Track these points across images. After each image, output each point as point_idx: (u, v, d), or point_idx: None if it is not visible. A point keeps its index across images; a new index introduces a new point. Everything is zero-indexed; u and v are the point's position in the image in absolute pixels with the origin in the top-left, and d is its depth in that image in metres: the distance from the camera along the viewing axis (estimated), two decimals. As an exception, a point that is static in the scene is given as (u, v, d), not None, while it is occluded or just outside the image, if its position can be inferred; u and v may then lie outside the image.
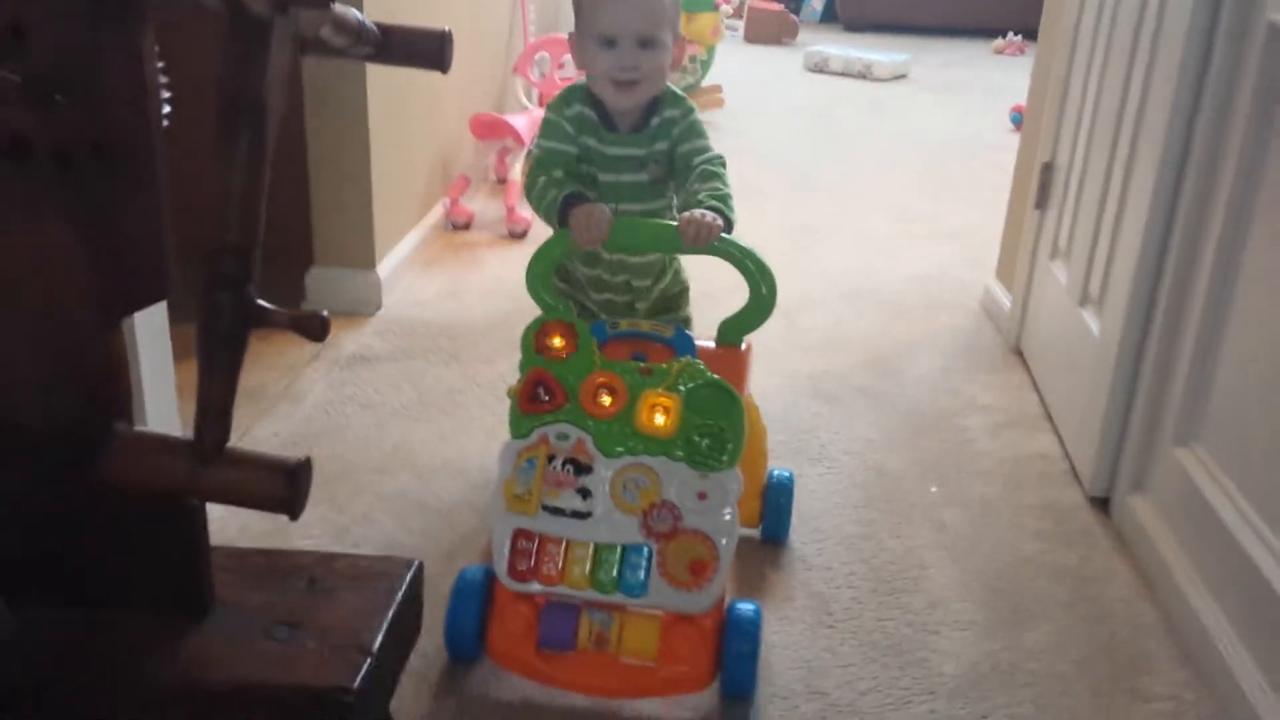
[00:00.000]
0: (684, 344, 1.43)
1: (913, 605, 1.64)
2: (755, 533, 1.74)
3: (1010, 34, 6.89)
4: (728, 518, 1.32)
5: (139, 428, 0.93)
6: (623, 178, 1.56)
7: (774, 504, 1.73)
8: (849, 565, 1.73)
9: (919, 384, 2.38)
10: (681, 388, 1.34)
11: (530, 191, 1.50)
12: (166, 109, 0.90)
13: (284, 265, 2.63)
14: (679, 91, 1.59)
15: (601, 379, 1.34)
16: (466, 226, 3.22)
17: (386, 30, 1.11)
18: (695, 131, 1.56)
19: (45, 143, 0.86)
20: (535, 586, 1.31)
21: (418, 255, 2.95)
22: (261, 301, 0.88)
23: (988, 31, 7.13)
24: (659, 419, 1.32)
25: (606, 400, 1.34)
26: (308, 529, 1.78)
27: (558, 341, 1.36)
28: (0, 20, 0.85)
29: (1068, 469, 2.02)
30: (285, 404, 2.20)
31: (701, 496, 1.31)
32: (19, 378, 0.89)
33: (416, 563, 1.12)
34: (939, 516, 1.88)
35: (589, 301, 1.68)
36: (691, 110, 1.57)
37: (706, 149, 1.54)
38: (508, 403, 1.39)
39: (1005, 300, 2.62)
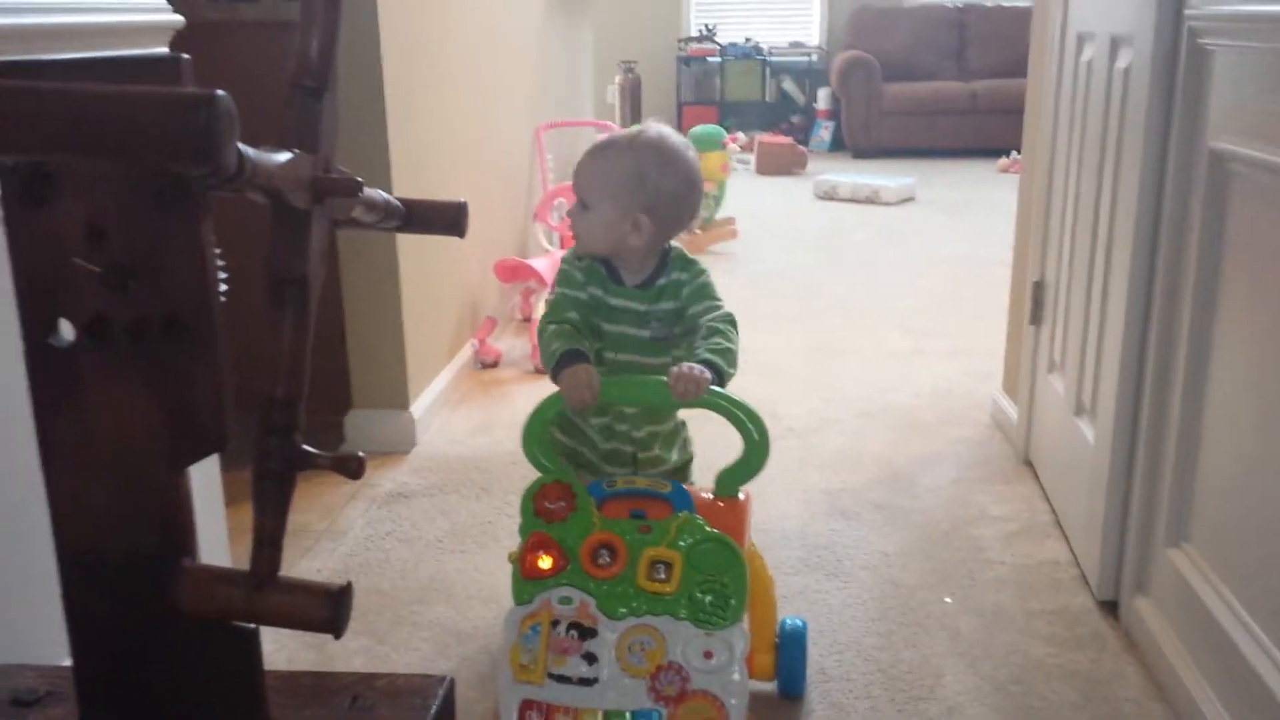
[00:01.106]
0: (681, 499, 1.42)
1: (929, 712, 1.71)
2: (771, 687, 1.71)
3: (1014, 153, 7.13)
4: (736, 677, 1.28)
5: (202, 563, 1.05)
6: (625, 330, 1.59)
7: (788, 655, 1.69)
8: (867, 675, 1.80)
9: (933, 497, 2.47)
10: (682, 544, 1.34)
11: (541, 336, 1.56)
12: (224, 286, 1.05)
13: (324, 409, 2.79)
14: (689, 255, 1.63)
15: (601, 539, 1.35)
16: (495, 365, 3.38)
17: (409, 205, 1.27)
18: (705, 294, 1.58)
19: (121, 320, 1.00)
20: None
21: (449, 394, 3.10)
22: (306, 446, 1.02)
23: (993, 151, 7.38)
24: (660, 577, 1.32)
25: (607, 560, 1.34)
26: (350, 658, 1.88)
27: (556, 504, 1.38)
28: (82, 222, 1.00)
29: (1077, 574, 2.10)
30: (327, 541, 2.32)
31: (708, 655, 1.29)
32: (101, 518, 1.02)
33: (449, 679, 1.22)
34: (954, 625, 1.95)
35: (593, 454, 1.66)
36: (702, 273, 1.60)
37: (716, 308, 1.57)
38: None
39: (1012, 412, 2.72)
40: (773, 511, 2.35)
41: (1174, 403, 1.72)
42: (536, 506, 1.39)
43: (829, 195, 6.40)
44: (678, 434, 1.71)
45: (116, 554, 1.03)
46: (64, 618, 1.07)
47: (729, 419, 1.45)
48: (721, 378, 1.46)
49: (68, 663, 1.11)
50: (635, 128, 1.59)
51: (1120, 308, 1.86)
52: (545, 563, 1.34)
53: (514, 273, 3.50)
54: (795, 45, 8.97)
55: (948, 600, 2.03)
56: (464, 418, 3.00)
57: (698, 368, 1.44)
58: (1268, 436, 1.45)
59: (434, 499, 2.50)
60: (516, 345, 3.58)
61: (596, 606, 1.31)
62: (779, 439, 2.76)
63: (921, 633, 1.92)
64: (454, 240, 3.20)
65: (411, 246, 2.78)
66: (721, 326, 1.54)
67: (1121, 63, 1.93)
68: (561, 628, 1.30)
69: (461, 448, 2.79)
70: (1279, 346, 1.42)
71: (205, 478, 1.66)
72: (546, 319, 1.57)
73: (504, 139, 3.86)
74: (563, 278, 1.62)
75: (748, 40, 8.92)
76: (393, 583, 2.13)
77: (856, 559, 2.19)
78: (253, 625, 1.08)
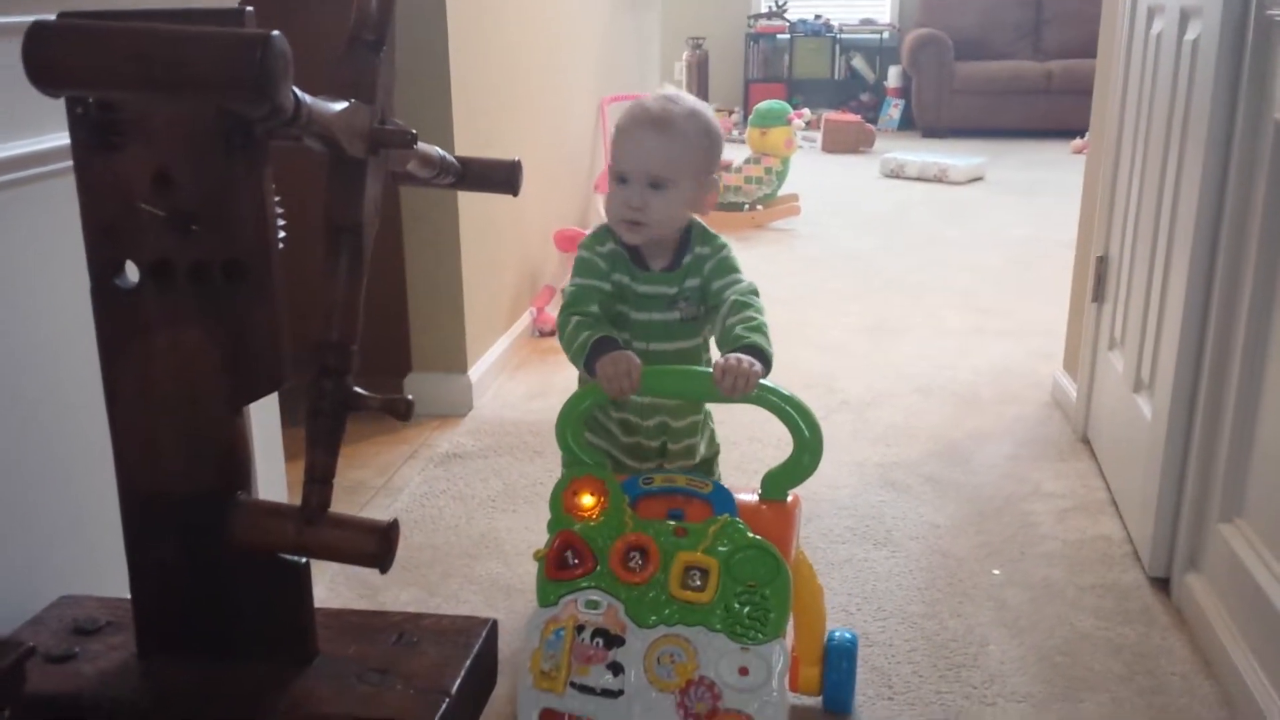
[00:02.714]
0: (723, 500, 1.31)
1: (972, 679, 1.71)
2: (817, 702, 1.62)
3: (1089, 134, 6.97)
4: (773, 696, 1.19)
5: (256, 498, 1.10)
6: (654, 316, 1.51)
7: (835, 669, 1.59)
8: (910, 642, 1.81)
9: (987, 472, 2.46)
10: (720, 550, 1.25)
11: (562, 332, 1.45)
12: (282, 233, 1.09)
13: (384, 372, 2.86)
14: (709, 228, 1.54)
15: (633, 540, 1.26)
16: (552, 333, 3.41)
17: (465, 162, 1.30)
18: (727, 267, 1.50)
19: (184, 263, 1.05)
20: None
21: (506, 360, 3.14)
22: (357, 388, 1.05)
23: (1067, 133, 7.24)
24: (695, 584, 1.23)
25: (638, 564, 1.25)
26: (401, 608, 1.92)
27: (588, 500, 1.30)
28: (149, 168, 1.05)
29: (1130, 551, 2.07)
30: (383, 497, 2.37)
31: (743, 672, 1.19)
32: (162, 454, 1.07)
33: (492, 621, 1.26)
34: (1001, 596, 1.94)
35: (615, 449, 1.59)
36: (723, 247, 1.53)
37: (738, 281, 1.49)
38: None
39: (1071, 390, 2.69)
40: (824, 482, 2.35)
41: (1232, 378, 1.70)
42: (566, 503, 1.31)
43: (896, 174, 6.34)
44: (706, 424, 1.64)
45: (176, 489, 1.08)
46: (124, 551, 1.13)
47: (779, 416, 1.34)
48: (767, 362, 1.36)
49: (129, 596, 1.16)
50: (661, 95, 1.49)
51: (1181, 283, 1.84)
52: (573, 563, 1.27)
53: (573, 242, 3.52)
54: (866, 22, 8.87)
55: (996, 572, 2.02)
56: (520, 383, 3.04)
57: (746, 359, 1.32)
58: (1325, 411, 1.43)
59: (488, 460, 2.55)
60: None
61: (625, 613, 1.23)
62: (834, 412, 2.77)
63: (968, 602, 1.92)
64: (515, 209, 3.27)
65: (473, 214, 2.82)
66: (748, 299, 1.45)
67: (1190, 35, 1.89)
68: (587, 634, 1.22)
69: (516, 412, 2.83)
70: (1339, 319, 1.40)
71: (265, 421, 1.72)
72: (567, 310, 1.47)
73: (568, 110, 3.89)
74: (582, 267, 1.51)
75: (818, 17, 8.84)
76: (445, 538, 2.18)
77: (906, 529, 2.19)
78: (304, 560, 1.12)
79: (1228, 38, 1.70)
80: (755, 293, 1.48)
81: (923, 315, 3.66)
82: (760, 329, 1.40)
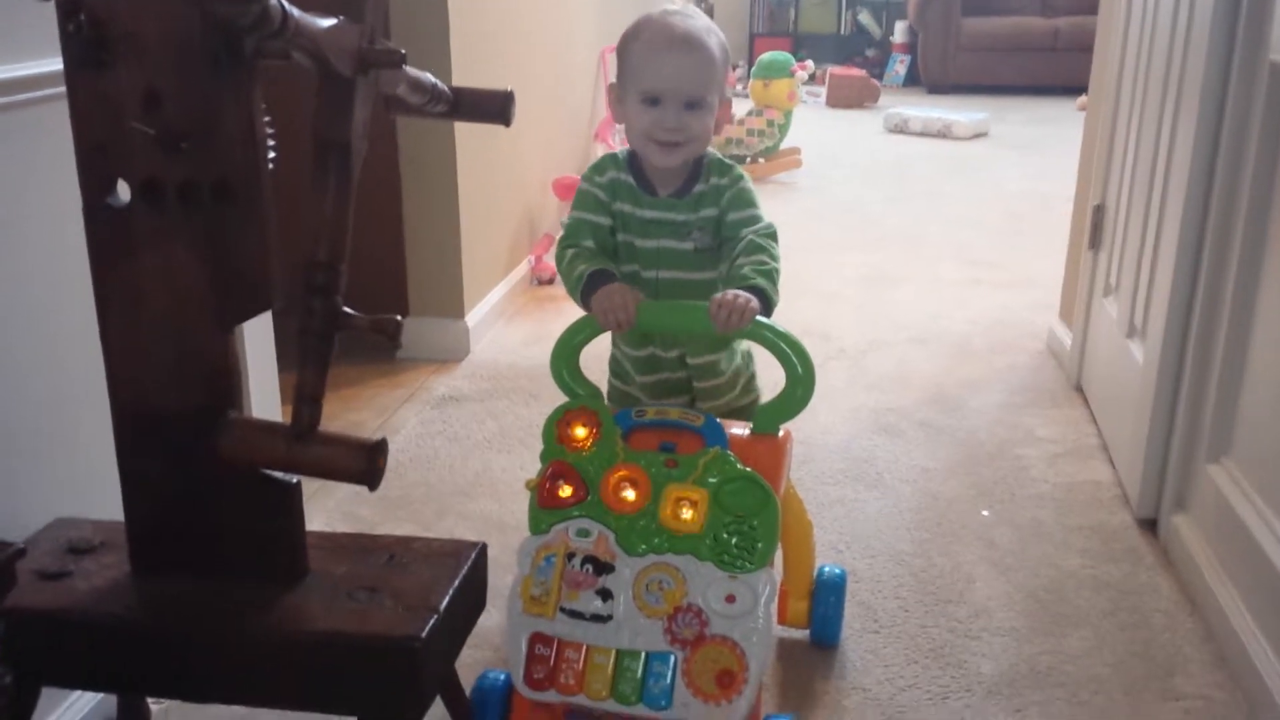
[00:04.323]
0: (714, 433, 1.32)
1: (957, 614, 1.73)
2: (804, 634, 1.66)
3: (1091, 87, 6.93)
4: (758, 624, 1.20)
5: (247, 416, 1.11)
6: (663, 243, 1.47)
7: (823, 603, 1.63)
8: (898, 578, 1.83)
9: (980, 418, 2.47)
10: (710, 481, 1.26)
11: (560, 264, 1.46)
12: (272, 154, 1.09)
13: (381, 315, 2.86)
14: (726, 159, 1.50)
15: (624, 472, 1.27)
16: (550, 281, 3.42)
17: (457, 91, 1.30)
18: (745, 200, 1.46)
19: (174, 182, 1.05)
20: (553, 696, 1.21)
21: (504, 307, 3.15)
22: (346, 308, 1.06)
23: (1073, 90, 7.18)
24: (685, 514, 1.24)
25: (629, 494, 1.26)
26: (397, 547, 1.96)
27: (580, 432, 1.31)
28: (139, 87, 1.05)
29: (1119, 494, 2.09)
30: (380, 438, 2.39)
31: (729, 600, 1.21)
32: (153, 372, 1.08)
33: (481, 544, 1.27)
34: (989, 536, 1.96)
35: (638, 391, 1.57)
36: (741, 178, 1.48)
37: (756, 218, 1.45)
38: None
39: (1066, 338, 2.70)
40: (817, 427, 2.37)
41: (1222, 320, 1.71)
42: (559, 433, 1.31)
43: (899, 129, 6.31)
44: (743, 369, 1.58)
45: (166, 406, 1.09)
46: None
47: (772, 351, 1.35)
48: (769, 304, 1.35)
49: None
50: (674, 11, 1.45)
51: (1175, 228, 1.84)
52: (564, 492, 1.28)
53: (572, 191, 3.50)
54: (873, -23, 8.78)
55: (985, 514, 2.04)
56: (517, 329, 3.05)
57: (744, 295, 1.32)
58: (1311, 348, 1.44)
59: (484, 403, 2.56)
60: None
61: (615, 541, 1.24)
62: (829, 360, 2.78)
63: (956, 542, 1.94)
64: (514, 156, 3.27)
65: (471, 161, 2.82)
66: (764, 242, 1.41)
67: (1190, -25, 1.88)
68: (577, 561, 1.23)
69: (514, 356, 2.84)
70: (1328, 256, 1.40)
71: (259, 341, 1.73)
72: (563, 243, 1.47)
73: (568, 59, 3.87)
74: (580, 200, 1.50)
75: (824, -29, 8.76)
76: (440, 476, 2.20)
77: (897, 472, 2.20)
78: (295, 479, 1.13)
79: (1226, -22, 1.69)
80: (773, 236, 1.44)
81: (921, 267, 3.66)
82: (770, 274, 1.38)
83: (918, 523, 2.01)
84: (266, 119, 1.11)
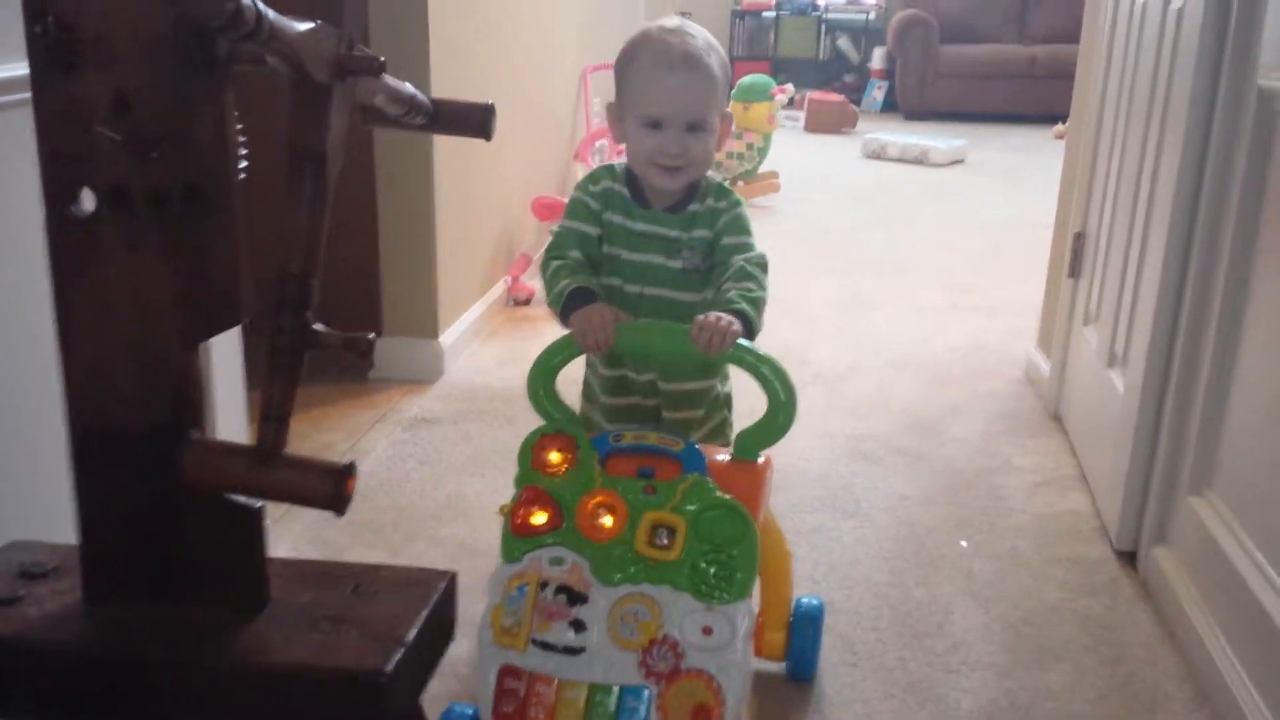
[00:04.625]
0: (693, 459, 1.28)
1: (935, 647, 1.70)
2: (780, 667, 1.61)
3: (1071, 114, 6.98)
4: (736, 657, 1.16)
5: (211, 437, 1.07)
6: (651, 259, 1.44)
7: (801, 635, 1.58)
8: (876, 609, 1.80)
9: (958, 446, 2.45)
10: (688, 508, 1.22)
11: (544, 273, 1.43)
12: (244, 163, 1.06)
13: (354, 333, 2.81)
14: (726, 184, 1.48)
15: (600, 498, 1.23)
16: (527, 302, 3.38)
17: (437, 103, 1.26)
18: (740, 226, 1.43)
19: (143, 190, 1.01)
20: None
21: (480, 327, 3.11)
22: (317, 325, 1.02)
23: (1049, 118, 7.24)
24: (662, 543, 1.20)
25: (605, 521, 1.22)
26: (366, 569, 1.91)
27: (555, 456, 1.27)
28: (108, 91, 1.01)
29: (1098, 526, 2.07)
30: (350, 460, 2.33)
31: (706, 632, 1.17)
32: (114, 388, 1.04)
33: (451, 574, 1.23)
34: (968, 567, 1.94)
35: (600, 415, 1.52)
36: (738, 204, 1.45)
37: (749, 246, 1.42)
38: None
39: (1045, 366, 2.69)
40: (794, 453, 2.34)
41: (1206, 351, 1.69)
42: (534, 457, 1.27)
43: (877, 155, 6.33)
44: (713, 408, 1.52)
45: (127, 425, 1.05)
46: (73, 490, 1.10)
47: (754, 375, 1.32)
48: (751, 330, 1.33)
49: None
50: (671, 29, 1.41)
51: (1159, 257, 1.83)
52: (538, 519, 1.24)
53: (552, 211, 3.49)
54: (853, 3, 8.84)
55: (964, 544, 2.02)
56: (493, 351, 3.01)
57: (726, 317, 1.29)
58: (1298, 382, 1.42)
59: (458, 425, 2.52)
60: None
61: (590, 570, 1.20)
62: (807, 384, 2.76)
63: (934, 572, 1.91)
64: (493, 175, 3.23)
65: (450, 179, 2.78)
66: (754, 271, 1.39)
67: (1175, 3, 1.87)
68: (550, 590, 1.19)
69: (489, 378, 2.80)
70: (1315, 289, 1.39)
71: (225, 357, 1.68)
72: (549, 253, 1.44)
73: (549, 78, 3.84)
74: (572, 208, 1.47)
75: (804, -4, 8.81)
76: (411, 500, 2.15)
77: (875, 501, 2.18)
78: (258, 504, 1.09)
79: (1212, 3, 1.69)
80: (764, 266, 1.41)
81: (899, 292, 3.65)
82: (755, 302, 1.35)
83: (896, 552, 1.98)
84: (238, 126, 1.07)
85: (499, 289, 3.34)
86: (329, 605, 1.14)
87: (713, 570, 1.20)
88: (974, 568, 1.93)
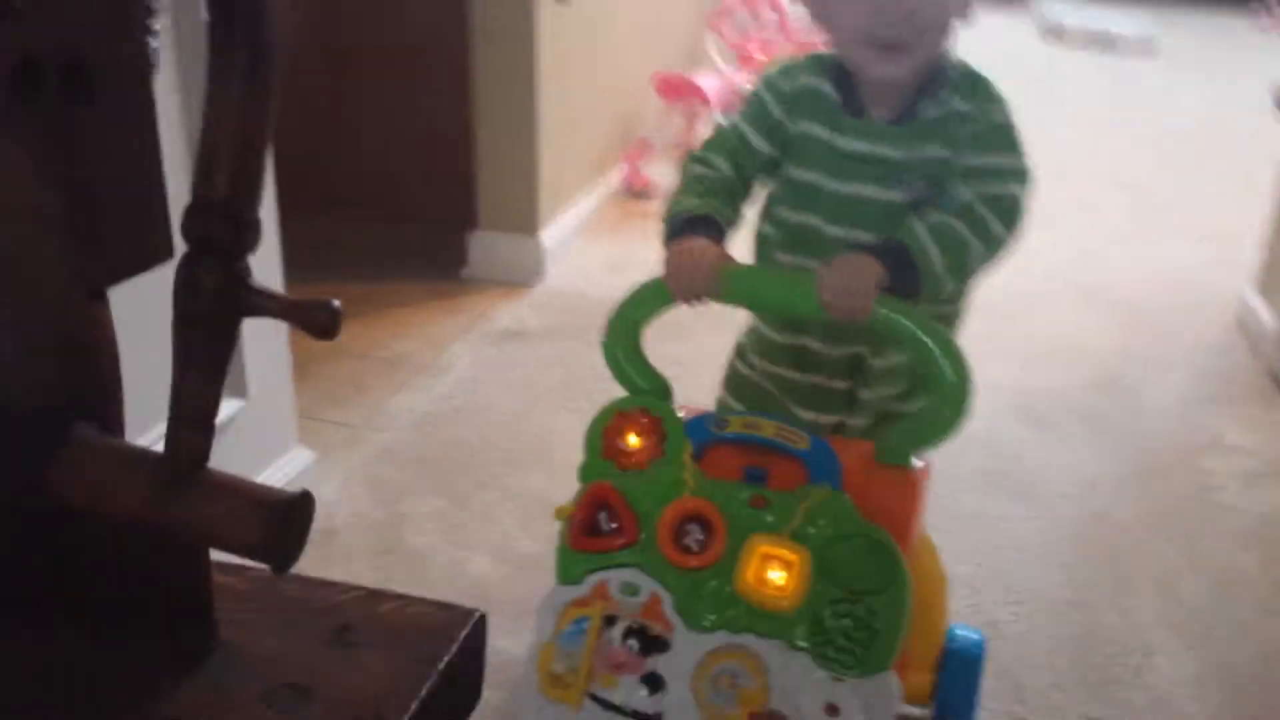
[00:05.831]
0: (823, 462, 0.96)
1: (1131, 701, 1.31)
2: (924, 712, 1.24)
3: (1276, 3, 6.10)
4: None
5: (116, 437, 0.72)
6: (864, 190, 1.05)
7: (953, 677, 1.21)
8: (1052, 640, 1.40)
9: (1155, 414, 2.00)
10: (813, 534, 0.91)
11: (681, 175, 1.12)
12: (155, 31, 0.69)
13: (444, 226, 2.48)
14: (979, 70, 1.07)
15: (692, 506, 0.93)
16: (645, 194, 2.98)
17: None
18: (994, 139, 1.05)
19: (3, 64, 0.65)
20: None
21: (588, 223, 2.75)
22: (258, 283, 0.65)
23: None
24: (775, 580, 0.90)
25: (697, 540, 0.93)
26: (421, 522, 1.63)
27: (634, 441, 0.97)
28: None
29: (1345, 538, 1.62)
30: (425, 378, 2.03)
31: (831, 711, 0.88)
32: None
33: (478, 616, 0.87)
34: (1173, 586, 1.52)
35: (770, 384, 1.17)
36: (997, 104, 1.06)
37: (1001, 174, 1.04)
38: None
39: (1266, 318, 2.18)
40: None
41: None
42: (606, 443, 0.98)
43: (1056, 35, 5.63)
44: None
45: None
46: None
47: (910, 349, 0.99)
48: (917, 281, 0.98)
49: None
50: None
51: None
52: (608, 529, 0.94)
53: (677, 90, 3.06)
54: None
55: (1168, 551, 1.59)
56: (601, 251, 2.63)
57: (867, 261, 0.95)
58: None
59: (553, 343, 2.18)
60: (673, 175, 3.17)
61: (673, 606, 0.91)
62: (966, 318, 2.31)
63: (1129, 592, 1.50)
64: (608, 44, 2.79)
65: (558, 44, 2.37)
66: (983, 212, 1.01)
67: None
68: (618, 630, 0.90)
69: (594, 286, 2.43)
70: None
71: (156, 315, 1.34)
72: (694, 154, 1.12)
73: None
74: (745, 106, 1.11)
75: None
76: (488, 436, 1.84)
77: (1051, 482, 1.76)
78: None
79: None
80: (1009, 211, 1.03)
81: (1076, 205, 3.11)
82: (956, 249, 0.99)
83: (1079, 558, 1.57)
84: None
85: (613, 178, 2.95)
86: (295, 660, 0.80)
87: (844, 624, 0.89)
88: (1181, 589, 1.51)
